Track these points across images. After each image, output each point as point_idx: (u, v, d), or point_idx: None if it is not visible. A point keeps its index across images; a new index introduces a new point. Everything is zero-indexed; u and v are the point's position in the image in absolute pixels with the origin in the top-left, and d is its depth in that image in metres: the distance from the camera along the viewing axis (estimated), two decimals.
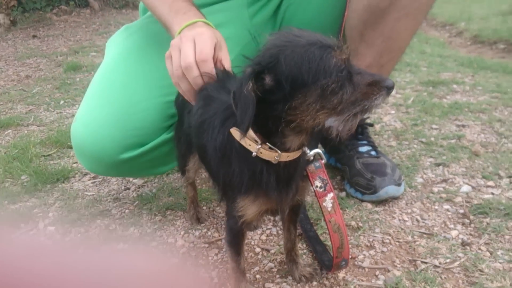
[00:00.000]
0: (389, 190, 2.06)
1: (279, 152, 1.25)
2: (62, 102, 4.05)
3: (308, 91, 1.12)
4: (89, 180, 2.56)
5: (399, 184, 2.10)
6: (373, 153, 2.27)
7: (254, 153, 1.25)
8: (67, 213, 2.21)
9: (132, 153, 1.93)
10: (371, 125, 2.48)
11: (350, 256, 1.76)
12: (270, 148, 1.25)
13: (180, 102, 1.78)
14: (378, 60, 1.98)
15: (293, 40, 1.16)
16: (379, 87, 1.16)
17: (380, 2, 1.86)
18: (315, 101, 1.12)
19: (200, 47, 1.51)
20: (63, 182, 2.54)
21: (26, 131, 3.38)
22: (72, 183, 2.53)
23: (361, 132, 2.36)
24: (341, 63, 1.13)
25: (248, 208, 1.35)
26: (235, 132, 1.27)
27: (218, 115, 1.40)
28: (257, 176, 1.29)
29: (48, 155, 2.90)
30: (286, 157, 1.27)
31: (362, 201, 2.14)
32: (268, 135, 1.24)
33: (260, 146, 1.24)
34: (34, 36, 7.59)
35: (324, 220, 1.54)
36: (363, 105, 1.16)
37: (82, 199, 2.36)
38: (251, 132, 1.22)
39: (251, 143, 1.24)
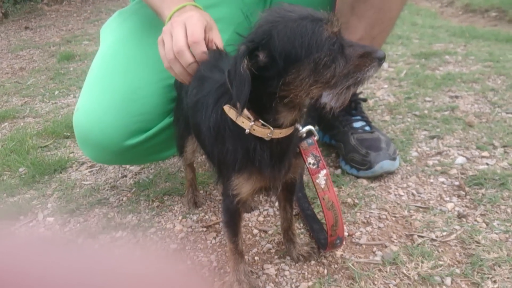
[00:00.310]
0: (384, 165, 2.07)
1: (272, 128, 1.25)
2: (56, 92, 4.04)
3: (301, 65, 1.12)
4: (86, 169, 2.56)
5: (394, 159, 2.11)
6: (367, 128, 2.27)
7: (247, 130, 1.25)
8: (66, 203, 2.23)
9: (137, 139, 1.93)
10: (365, 100, 2.48)
11: (346, 234, 1.78)
12: (262, 125, 1.25)
13: (179, 84, 1.78)
14: (370, 32, 1.97)
15: (285, 15, 1.15)
16: (371, 59, 1.16)
17: None
18: (308, 75, 1.12)
19: (190, 30, 1.51)
20: (61, 173, 2.55)
21: (22, 123, 3.37)
22: (70, 173, 2.54)
23: (355, 107, 2.35)
24: (333, 36, 1.13)
25: (243, 186, 1.36)
26: (228, 110, 1.28)
27: (211, 94, 1.40)
28: (251, 153, 1.30)
29: (45, 146, 2.90)
30: (279, 133, 1.27)
31: (358, 177, 2.15)
32: (260, 112, 1.24)
33: (253, 123, 1.24)
34: (26, 28, 7.53)
35: (318, 197, 1.54)
36: (355, 77, 1.16)
37: (80, 188, 2.37)
38: (244, 110, 1.22)
39: (244, 120, 1.25)
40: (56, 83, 4.35)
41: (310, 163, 1.51)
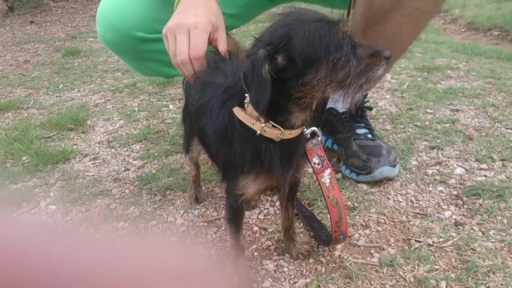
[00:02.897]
0: (384, 170, 2.11)
1: (282, 130, 1.28)
2: (61, 86, 4.07)
3: (320, 65, 1.16)
4: (89, 161, 2.59)
5: (394, 166, 2.14)
6: (369, 136, 2.31)
7: (258, 132, 1.28)
8: (68, 192, 2.25)
9: (147, 35, 2.04)
10: (370, 108, 2.52)
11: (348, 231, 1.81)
12: (273, 126, 1.28)
13: (185, 85, 1.83)
14: None
15: (301, 18, 1.19)
16: (379, 58, 1.21)
17: (382, 4, 1.88)
18: (325, 75, 1.16)
19: (193, 42, 1.55)
20: (64, 163, 2.57)
21: (26, 114, 3.40)
22: (73, 164, 2.56)
23: (360, 115, 2.39)
24: (346, 37, 1.18)
25: (250, 186, 1.38)
26: (238, 112, 1.30)
27: (215, 98, 1.43)
28: (262, 154, 1.32)
29: (49, 137, 2.93)
30: (288, 134, 1.31)
31: (357, 182, 2.19)
32: (273, 113, 1.26)
33: (264, 124, 1.27)
34: (31, 22, 7.58)
35: (323, 195, 1.58)
36: (367, 75, 1.21)
37: (82, 179, 2.39)
38: (254, 111, 1.25)
39: (255, 121, 1.27)
40: (60, 77, 4.38)
41: (315, 163, 1.54)
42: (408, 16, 1.89)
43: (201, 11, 1.59)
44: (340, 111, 2.39)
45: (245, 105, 1.28)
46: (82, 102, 3.61)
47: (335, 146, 2.45)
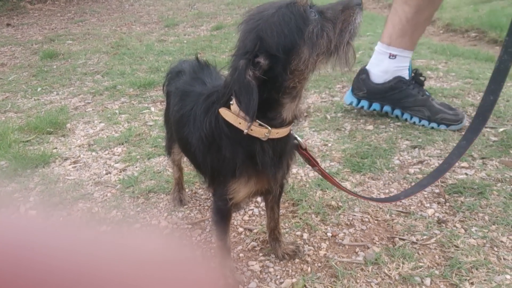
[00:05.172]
0: (465, 119, 2.70)
1: (269, 128, 1.28)
2: (39, 89, 4.00)
3: (299, 48, 1.16)
4: (69, 165, 2.55)
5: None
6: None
7: (245, 131, 1.27)
8: (48, 197, 2.21)
9: None
10: (422, 75, 2.88)
11: (330, 234, 1.82)
12: (260, 125, 1.27)
13: (166, 89, 1.83)
14: None
15: (262, 16, 1.19)
16: (351, 8, 1.21)
17: None
18: (310, 53, 1.17)
19: None
20: (43, 167, 2.53)
21: (3, 118, 3.33)
22: (53, 168, 2.52)
23: (422, 82, 2.84)
24: (309, 8, 1.19)
25: (241, 190, 1.37)
26: (224, 112, 1.29)
27: (198, 106, 1.42)
28: (256, 154, 1.32)
29: (27, 141, 2.87)
30: (276, 133, 1.30)
31: (447, 130, 2.68)
32: (264, 111, 1.25)
33: (250, 123, 1.26)
34: (8, 25, 7.44)
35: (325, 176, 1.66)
36: (349, 30, 1.21)
37: (63, 183, 2.35)
38: (240, 111, 1.24)
39: (242, 121, 1.27)
40: (38, 80, 4.31)
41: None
42: None
43: None
44: (407, 78, 2.80)
45: (231, 106, 1.28)
46: (62, 105, 3.55)
47: (397, 111, 2.86)
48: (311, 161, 1.58)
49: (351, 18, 1.20)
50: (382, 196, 2.07)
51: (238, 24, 1.26)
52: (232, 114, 1.28)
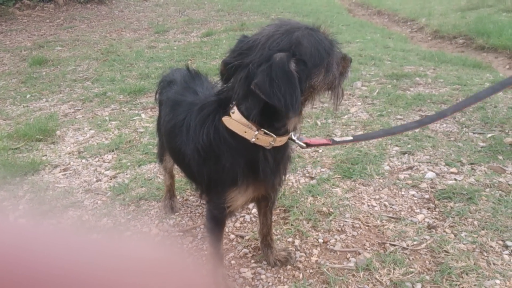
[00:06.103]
0: None
1: (275, 136, 1.28)
2: (28, 96, 3.98)
3: (321, 68, 1.19)
4: (59, 172, 2.53)
5: None
6: None
7: (252, 139, 1.26)
8: (38, 205, 2.19)
9: None
10: None
11: (321, 240, 1.83)
12: (265, 133, 1.27)
13: (158, 98, 1.82)
14: None
15: (294, 25, 1.21)
16: (347, 61, 1.28)
17: None
18: (324, 78, 1.20)
19: None
20: (33, 175, 2.51)
21: None
22: (42, 176, 2.50)
23: None
24: (333, 40, 1.24)
25: (238, 199, 1.37)
26: (228, 121, 1.27)
27: (191, 116, 1.40)
28: (259, 162, 1.31)
29: (16, 148, 2.85)
30: (279, 141, 1.30)
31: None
32: (271, 120, 1.25)
33: (257, 132, 1.25)
34: None
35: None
36: (344, 77, 1.27)
37: (53, 191, 2.33)
38: (244, 120, 1.24)
39: (246, 130, 1.25)
40: (27, 86, 4.28)
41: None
42: None
43: None
44: None
45: (231, 115, 1.27)
46: (51, 112, 3.53)
47: None
48: (324, 143, 1.64)
49: (347, 69, 1.28)
50: (373, 202, 2.08)
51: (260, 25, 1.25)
52: (236, 123, 1.26)
